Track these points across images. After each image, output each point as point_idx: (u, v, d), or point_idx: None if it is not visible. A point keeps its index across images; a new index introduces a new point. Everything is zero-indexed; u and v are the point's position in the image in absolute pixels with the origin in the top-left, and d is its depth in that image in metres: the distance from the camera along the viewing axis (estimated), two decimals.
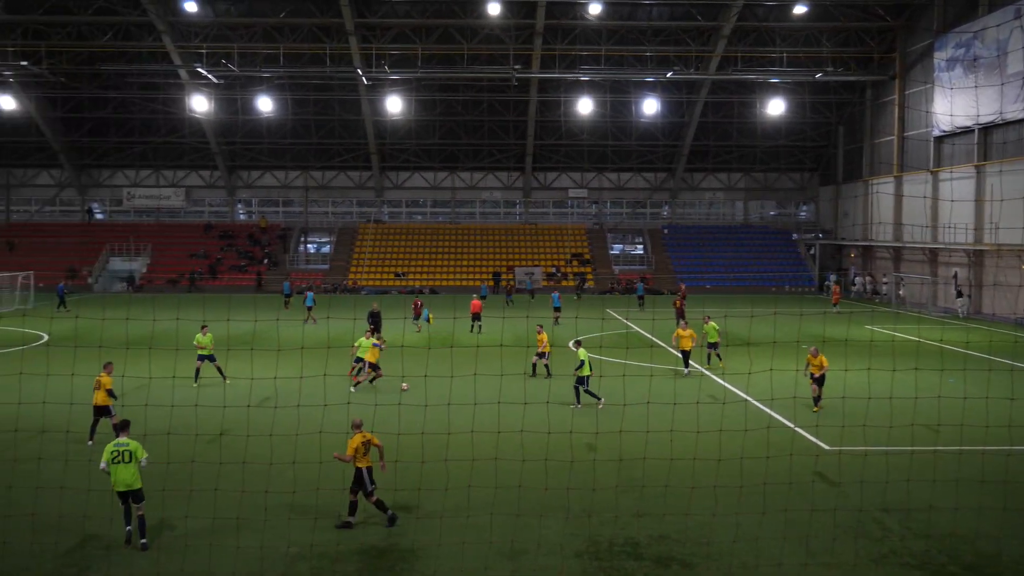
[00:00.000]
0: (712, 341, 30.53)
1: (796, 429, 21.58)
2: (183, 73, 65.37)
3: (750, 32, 65.09)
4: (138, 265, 73.27)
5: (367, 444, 15.04)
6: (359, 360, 26.65)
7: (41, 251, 72.66)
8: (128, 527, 14.18)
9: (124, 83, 69.07)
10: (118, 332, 36.14)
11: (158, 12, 59.56)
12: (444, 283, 70.11)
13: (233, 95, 69.76)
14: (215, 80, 64.48)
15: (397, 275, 72.09)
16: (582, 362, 24.07)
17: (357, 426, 15.26)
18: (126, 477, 14.11)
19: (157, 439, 17.98)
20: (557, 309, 45.92)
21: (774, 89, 69.00)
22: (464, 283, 70.12)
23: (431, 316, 45.36)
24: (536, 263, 73.63)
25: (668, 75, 64.18)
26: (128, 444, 14.36)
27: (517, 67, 62.25)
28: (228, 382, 26.50)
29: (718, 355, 30.78)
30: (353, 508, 14.99)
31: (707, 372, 30.10)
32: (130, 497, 14.16)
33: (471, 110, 73.16)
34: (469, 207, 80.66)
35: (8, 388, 22.01)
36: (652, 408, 20.24)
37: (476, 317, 42.36)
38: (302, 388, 23.44)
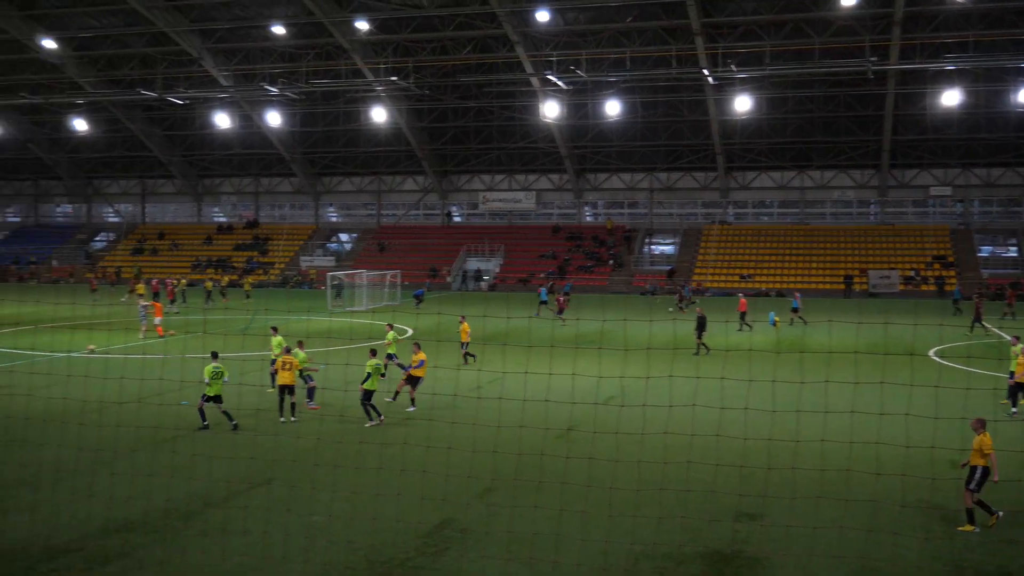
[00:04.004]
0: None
1: None
2: (535, 81, 68.12)
3: None
4: (492, 265, 77.41)
5: None
6: None
7: (407, 252, 78.71)
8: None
9: (481, 93, 73.12)
10: (474, 327, 38.35)
11: (512, 24, 62.48)
12: (793, 285, 67.74)
13: (582, 100, 71.72)
14: (564, 86, 66.59)
15: (743, 277, 70.85)
16: (368, 375, 21.85)
17: None
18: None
19: (510, 432, 18.76)
20: (795, 310, 45.59)
21: None
22: (814, 285, 67.66)
23: (778, 320, 44.16)
24: (892, 266, 69.48)
25: None
26: (221, 366, 21.40)
27: (873, 59, 58.90)
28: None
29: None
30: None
31: None
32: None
33: (822, 106, 70.36)
34: (819, 207, 77.65)
35: (390, 379, 24.00)
36: None
37: (743, 316, 42.29)
38: (648, 387, 23.58)
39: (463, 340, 31.11)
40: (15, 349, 34.33)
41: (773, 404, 20.21)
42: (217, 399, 21.28)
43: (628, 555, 13.64)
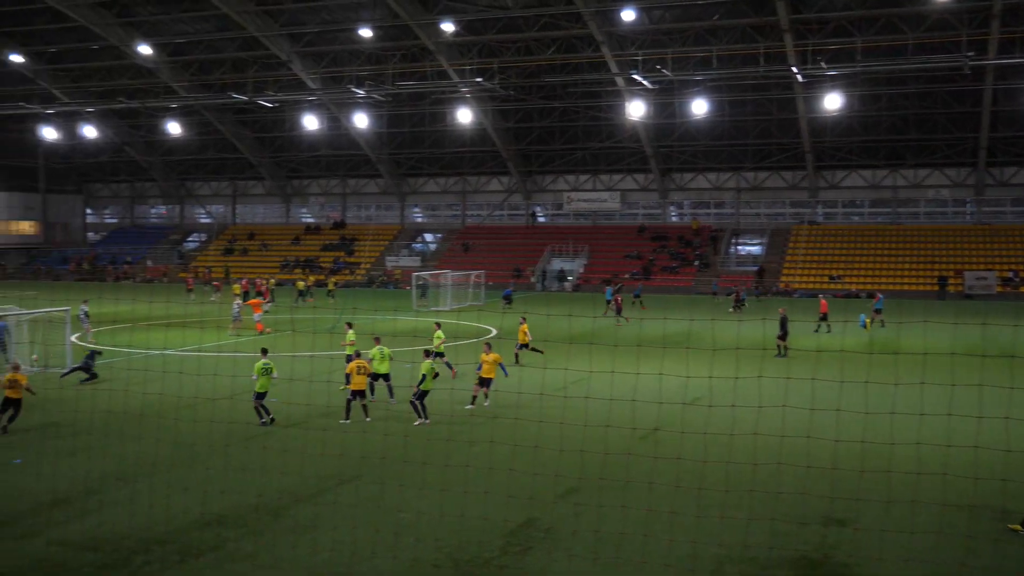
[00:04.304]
0: None
1: None
2: (620, 80, 67.72)
3: None
4: (576, 265, 77.25)
5: None
6: None
7: (491, 252, 78.95)
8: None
9: (566, 93, 72.96)
10: (559, 328, 38.33)
11: (597, 23, 62.21)
12: (885, 287, 66.13)
13: (667, 99, 71.07)
14: (649, 86, 66.06)
15: (832, 278, 69.46)
16: (424, 376, 22.00)
17: None
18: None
19: (596, 431, 18.69)
20: (878, 311, 44.64)
21: None
22: (906, 287, 66.02)
23: (868, 321, 43.15)
24: (990, 267, 67.33)
25: None
26: (270, 363, 21.83)
27: (970, 54, 57.13)
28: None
29: None
30: None
31: None
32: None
33: (916, 103, 68.57)
34: (912, 206, 75.68)
35: (466, 376, 24.15)
36: None
37: (824, 317, 41.42)
38: (736, 388, 23.26)
39: (521, 341, 31.33)
40: (114, 346, 35.38)
41: (866, 406, 19.73)
42: (261, 395, 21.79)
43: (715, 558, 13.45)
